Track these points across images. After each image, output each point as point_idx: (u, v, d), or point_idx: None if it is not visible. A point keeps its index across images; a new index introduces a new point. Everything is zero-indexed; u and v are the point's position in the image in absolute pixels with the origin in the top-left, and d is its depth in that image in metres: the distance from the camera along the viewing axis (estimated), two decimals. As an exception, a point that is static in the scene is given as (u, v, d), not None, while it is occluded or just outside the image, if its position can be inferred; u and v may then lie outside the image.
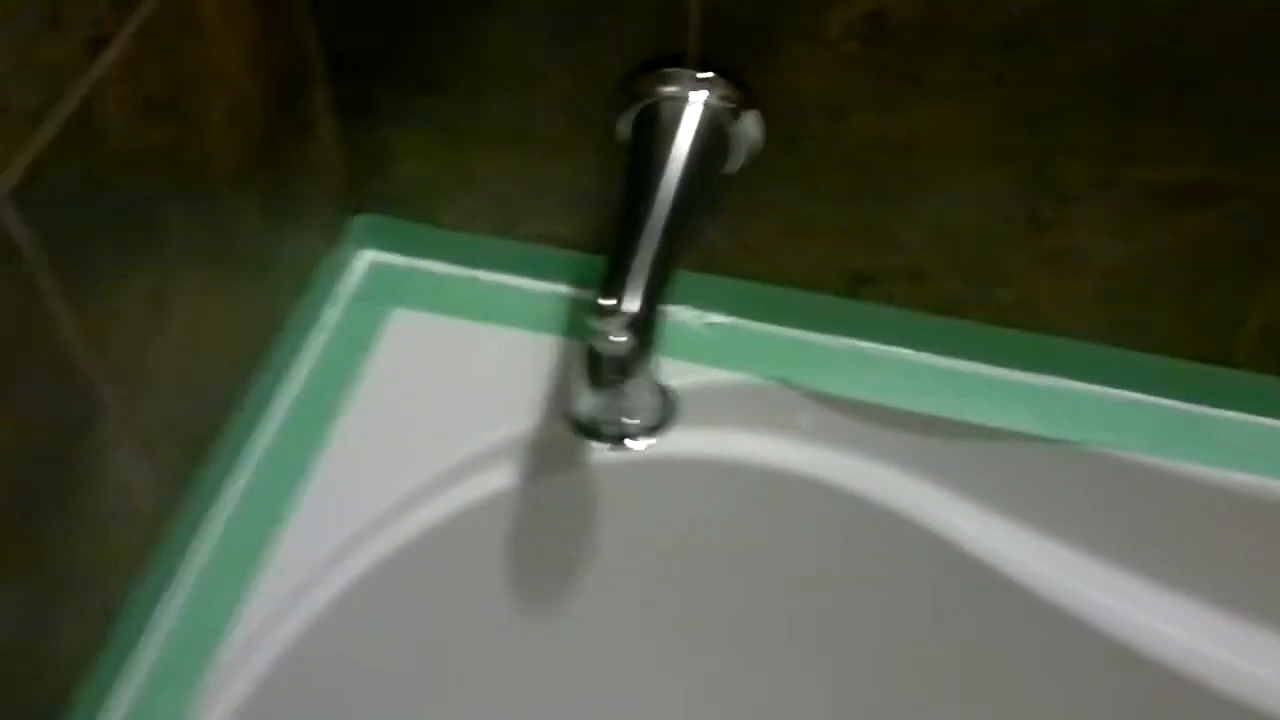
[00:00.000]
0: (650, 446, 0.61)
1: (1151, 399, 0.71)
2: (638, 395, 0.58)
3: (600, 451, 0.71)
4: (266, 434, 0.70)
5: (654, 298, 0.58)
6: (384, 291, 0.78)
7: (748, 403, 0.74)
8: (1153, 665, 0.72)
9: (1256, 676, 0.71)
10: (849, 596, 0.78)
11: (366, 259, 0.80)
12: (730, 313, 0.76)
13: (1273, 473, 0.68)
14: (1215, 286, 0.64)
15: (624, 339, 0.55)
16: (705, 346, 0.75)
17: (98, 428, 0.54)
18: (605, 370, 0.57)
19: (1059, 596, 0.72)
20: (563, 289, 0.78)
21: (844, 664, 0.82)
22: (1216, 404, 0.70)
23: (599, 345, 0.56)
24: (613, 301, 0.55)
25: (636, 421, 0.60)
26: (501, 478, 0.72)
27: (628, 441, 0.60)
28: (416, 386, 0.74)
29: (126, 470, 0.57)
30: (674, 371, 0.73)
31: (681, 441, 0.73)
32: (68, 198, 0.47)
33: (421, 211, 0.76)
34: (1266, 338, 0.66)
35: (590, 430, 0.60)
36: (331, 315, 0.77)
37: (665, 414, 0.62)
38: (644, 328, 0.57)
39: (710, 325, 0.76)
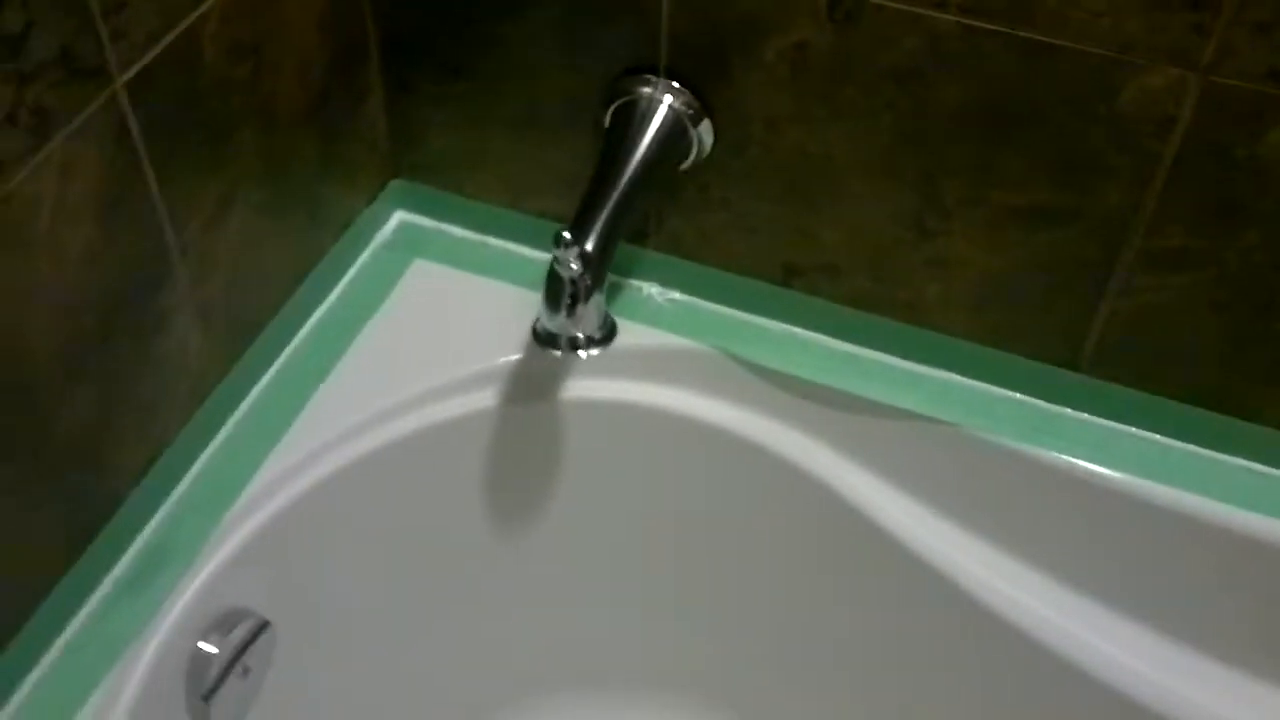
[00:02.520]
0: (592, 356, 0.77)
1: (1017, 395, 0.86)
2: (587, 317, 0.75)
3: (565, 386, 0.87)
4: (301, 335, 0.87)
5: (606, 243, 0.74)
6: (409, 244, 0.95)
7: (695, 366, 0.90)
8: (1004, 627, 0.85)
9: (1085, 641, 0.85)
10: (748, 536, 0.93)
11: (398, 218, 0.97)
12: (688, 291, 0.92)
13: (1111, 465, 0.82)
14: (1063, 299, 0.79)
15: (577, 267, 0.72)
16: (666, 317, 0.91)
17: (167, 288, 0.71)
18: (561, 294, 0.74)
19: (920, 549, 0.86)
20: (557, 256, 0.94)
21: (735, 595, 0.96)
22: (1067, 404, 0.84)
23: (559, 270, 0.73)
24: (572, 237, 0.71)
25: (584, 337, 0.77)
26: (486, 398, 0.88)
27: (579, 352, 0.77)
28: (425, 319, 0.90)
29: (186, 331, 0.74)
30: (639, 334, 0.89)
31: (637, 391, 0.89)
32: (167, 101, 0.65)
33: (447, 181, 0.94)
34: (1104, 348, 0.81)
35: (548, 340, 0.77)
36: (364, 256, 0.94)
37: (607, 335, 0.78)
38: (595, 264, 0.73)
39: (671, 300, 0.92)
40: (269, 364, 0.85)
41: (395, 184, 0.95)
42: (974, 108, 0.73)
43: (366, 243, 0.95)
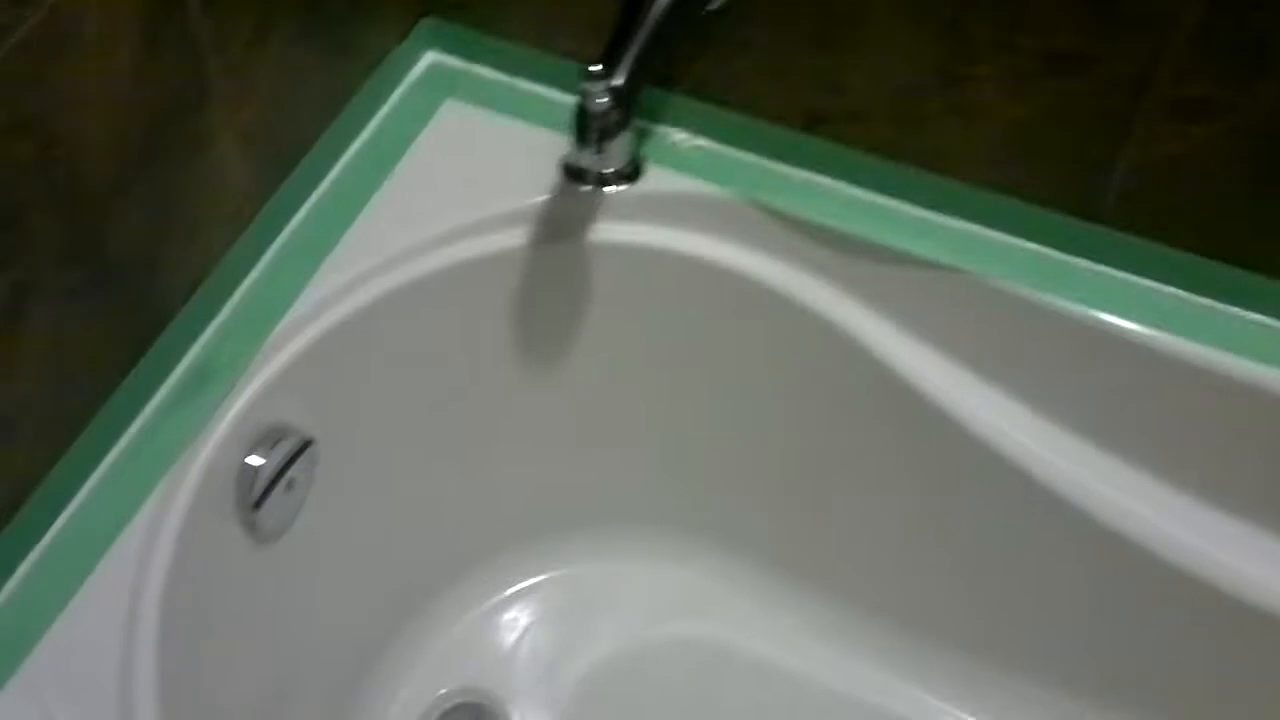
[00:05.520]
0: (619, 195, 0.79)
1: (1035, 245, 0.87)
2: (614, 153, 0.77)
3: (595, 228, 0.90)
4: (337, 168, 0.90)
5: (633, 79, 0.76)
6: (440, 84, 0.97)
7: (719, 212, 0.91)
8: (1010, 470, 0.89)
9: (1088, 485, 0.88)
10: (766, 379, 0.96)
11: (429, 58, 0.98)
12: (714, 138, 0.93)
13: (1124, 316, 0.84)
14: (1085, 148, 0.81)
15: (606, 100, 0.73)
16: (691, 163, 0.92)
17: (208, 109, 0.73)
18: (590, 129, 0.75)
19: (933, 394, 0.89)
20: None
21: (750, 436, 1.00)
22: (1084, 255, 0.86)
23: (587, 104, 0.74)
24: (601, 69, 0.73)
25: (612, 172, 0.79)
26: (516, 237, 0.90)
27: (606, 188, 0.79)
28: (456, 158, 0.92)
29: (227, 153, 0.77)
30: (666, 179, 0.90)
31: (662, 236, 0.92)
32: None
33: (478, 19, 0.94)
34: (1123, 199, 0.82)
35: (576, 175, 0.79)
36: (396, 94, 0.95)
37: (633, 172, 0.81)
38: (623, 99, 0.75)
39: (698, 147, 0.93)
40: (307, 194, 0.87)
41: (426, 22, 0.96)
42: (1004, -53, 0.73)
43: (398, 81, 0.96)
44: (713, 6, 0.83)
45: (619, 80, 0.75)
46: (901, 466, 0.96)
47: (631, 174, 0.82)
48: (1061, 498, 0.88)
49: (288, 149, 0.84)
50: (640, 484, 1.07)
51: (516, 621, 1.07)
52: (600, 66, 0.73)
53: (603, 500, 1.09)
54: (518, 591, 1.08)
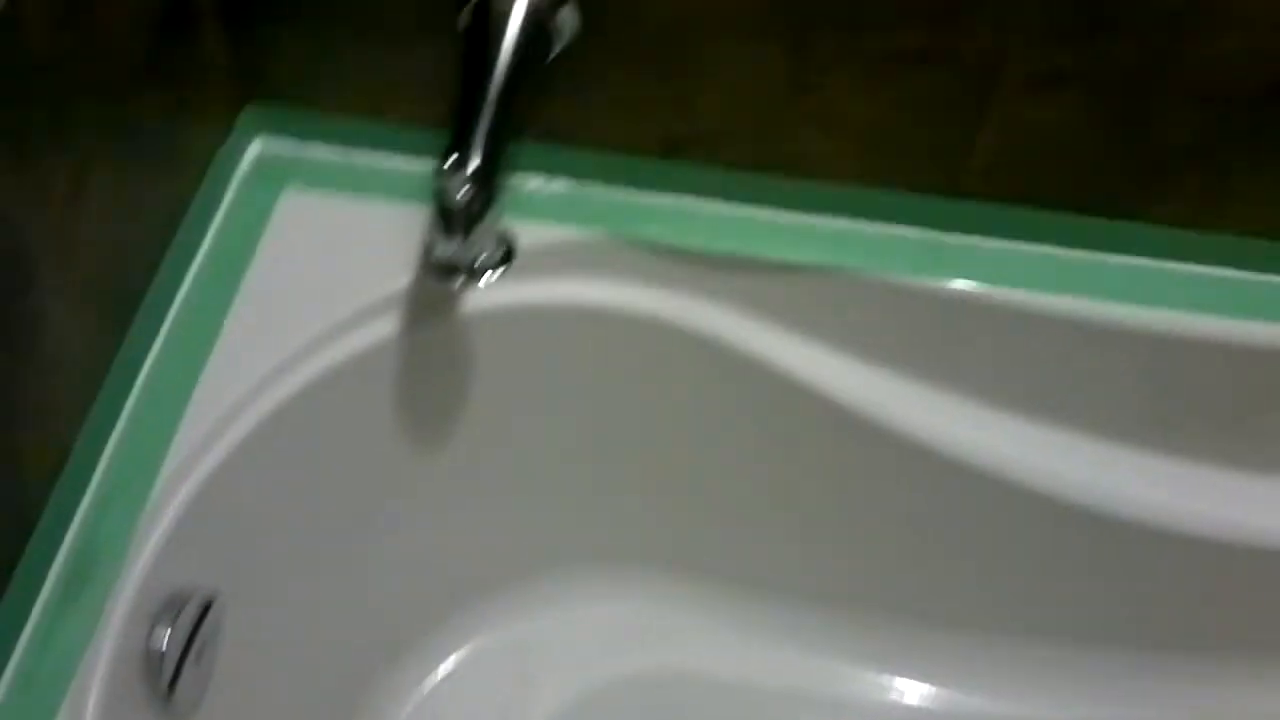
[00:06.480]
0: (498, 280, 0.75)
1: (908, 230, 0.87)
2: (483, 241, 0.72)
3: (465, 299, 0.86)
4: (181, 296, 0.83)
5: (490, 158, 0.72)
6: (273, 174, 0.91)
7: (591, 254, 0.88)
8: (928, 454, 0.89)
9: (1006, 453, 0.89)
10: (671, 413, 0.95)
11: (257, 146, 0.92)
12: (571, 177, 0.90)
13: (996, 283, 0.85)
14: (947, 130, 0.80)
15: (465, 192, 0.69)
16: (551, 208, 0.89)
17: (35, 287, 0.66)
18: (455, 221, 0.71)
19: (843, 396, 0.89)
20: (433, 163, 0.90)
21: (672, 474, 0.99)
22: (953, 229, 0.86)
23: (447, 201, 0.70)
24: (453, 160, 0.69)
25: (483, 260, 0.74)
26: (386, 327, 0.86)
27: (482, 280, 0.75)
28: (306, 254, 0.86)
29: (63, 323, 0.70)
30: (524, 232, 0.86)
31: (538, 290, 0.88)
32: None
33: (302, 100, 0.89)
34: (989, 170, 0.82)
35: (446, 271, 0.74)
36: (229, 197, 0.89)
37: (507, 255, 0.76)
38: (483, 182, 0.71)
39: (556, 190, 0.90)
40: (157, 331, 0.81)
41: (249, 111, 0.90)
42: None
43: (230, 180, 0.90)
44: (554, 54, 0.79)
45: (476, 162, 0.70)
46: (813, 468, 0.95)
47: (505, 256, 0.78)
48: (984, 471, 0.89)
49: (127, 291, 0.78)
50: (557, 531, 1.05)
51: (460, 695, 1.04)
52: (454, 156, 0.69)
53: (522, 557, 1.06)
54: (454, 666, 1.05)
